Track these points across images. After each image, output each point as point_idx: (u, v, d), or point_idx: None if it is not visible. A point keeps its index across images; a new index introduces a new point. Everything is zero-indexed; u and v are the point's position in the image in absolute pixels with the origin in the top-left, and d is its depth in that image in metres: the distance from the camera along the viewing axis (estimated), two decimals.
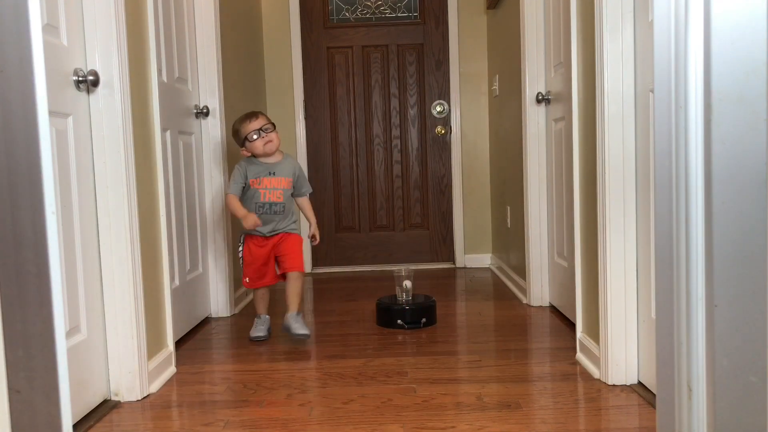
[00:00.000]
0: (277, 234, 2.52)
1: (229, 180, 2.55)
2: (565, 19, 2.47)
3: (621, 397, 1.84)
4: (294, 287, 2.50)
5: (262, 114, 2.50)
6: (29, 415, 0.93)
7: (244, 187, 2.48)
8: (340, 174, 4.19)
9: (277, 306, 2.88)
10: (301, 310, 2.50)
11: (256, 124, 2.44)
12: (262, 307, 2.62)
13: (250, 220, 2.41)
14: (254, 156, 2.48)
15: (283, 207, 2.51)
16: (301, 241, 2.58)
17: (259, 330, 2.58)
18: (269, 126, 2.47)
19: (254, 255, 2.53)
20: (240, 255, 2.57)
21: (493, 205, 4.08)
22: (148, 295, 2.03)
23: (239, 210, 2.42)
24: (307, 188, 2.64)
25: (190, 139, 2.76)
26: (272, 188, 2.48)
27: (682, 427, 1.06)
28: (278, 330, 2.60)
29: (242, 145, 2.48)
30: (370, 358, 2.28)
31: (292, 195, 2.57)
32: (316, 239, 2.63)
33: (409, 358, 2.28)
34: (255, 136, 2.43)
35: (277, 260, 2.56)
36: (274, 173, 2.49)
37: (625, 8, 1.86)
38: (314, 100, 4.16)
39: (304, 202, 2.64)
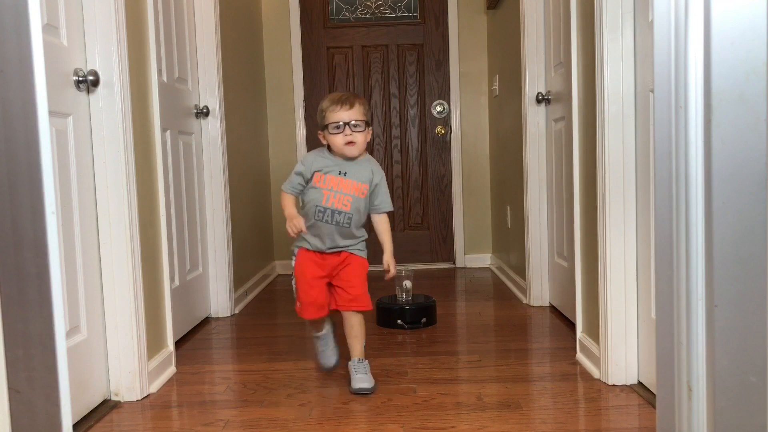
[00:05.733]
0: (338, 252, 1.98)
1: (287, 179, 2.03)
2: (565, 19, 2.47)
3: (621, 397, 1.84)
4: (356, 329, 2.00)
5: (361, 103, 1.96)
6: (29, 415, 0.93)
7: (304, 187, 2.00)
8: None
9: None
10: (365, 356, 2.03)
11: (344, 114, 1.91)
12: (319, 323, 2.05)
13: (295, 224, 1.90)
14: (329, 147, 1.99)
15: (350, 219, 1.94)
16: (367, 268, 2.02)
17: (328, 356, 2.08)
18: (360, 123, 1.92)
19: (305, 273, 1.99)
20: (294, 274, 2.04)
21: (493, 205, 4.08)
22: (148, 295, 2.03)
23: (288, 207, 1.96)
24: (387, 204, 2.03)
25: (190, 139, 2.76)
26: (339, 191, 1.93)
27: (682, 427, 1.06)
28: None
29: (322, 128, 1.97)
30: (370, 358, 2.28)
31: (372, 212, 2.04)
32: (390, 272, 2.01)
33: (409, 358, 2.28)
34: (336, 130, 1.92)
35: (331, 290, 2.02)
36: (345, 174, 1.95)
37: (625, 8, 1.86)
38: (314, 100, 4.15)
39: (381, 221, 2.04)
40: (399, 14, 4.15)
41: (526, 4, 2.90)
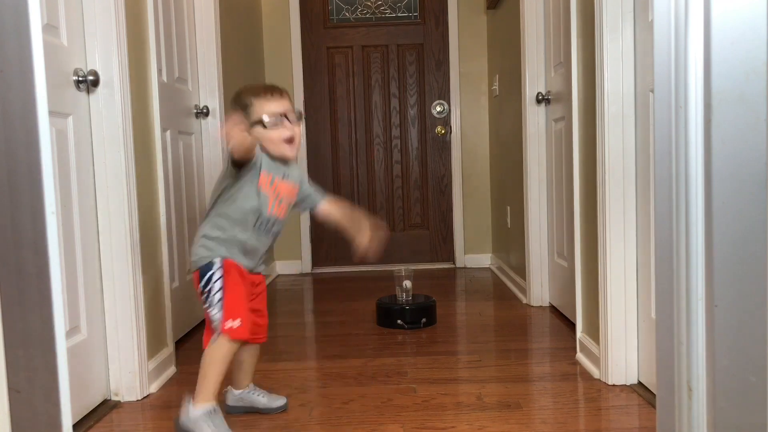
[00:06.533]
0: (256, 274, 1.71)
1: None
2: (565, 19, 2.47)
3: (621, 397, 1.84)
4: (256, 358, 1.81)
5: (287, 94, 1.64)
6: (29, 415, 0.93)
7: (233, 184, 1.59)
8: (340, 174, 4.19)
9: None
10: None
11: (277, 105, 1.57)
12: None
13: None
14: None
15: (281, 230, 1.70)
16: None
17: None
18: (295, 116, 1.62)
19: (242, 284, 1.63)
20: (217, 286, 1.59)
21: (493, 205, 4.08)
22: (148, 295, 2.03)
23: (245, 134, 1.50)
24: (320, 192, 1.79)
25: (190, 139, 2.76)
26: (283, 198, 1.65)
27: (682, 427, 1.06)
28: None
29: (250, 127, 1.57)
30: (370, 358, 2.28)
31: (306, 208, 1.81)
32: (366, 242, 1.72)
33: (409, 358, 2.28)
34: (273, 125, 1.57)
35: None
36: (288, 176, 1.66)
37: (625, 8, 1.86)
38: (314, 100, 4.15)
39: (332, 207, 1.79)
40: (399, 14, 4.15)
41: (526, 4, 2.90)
